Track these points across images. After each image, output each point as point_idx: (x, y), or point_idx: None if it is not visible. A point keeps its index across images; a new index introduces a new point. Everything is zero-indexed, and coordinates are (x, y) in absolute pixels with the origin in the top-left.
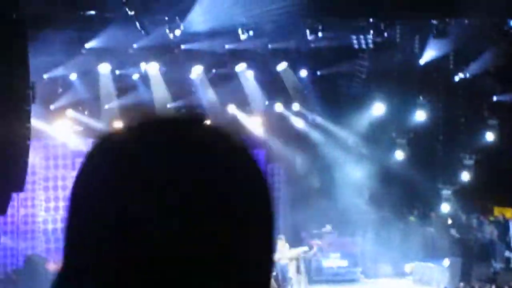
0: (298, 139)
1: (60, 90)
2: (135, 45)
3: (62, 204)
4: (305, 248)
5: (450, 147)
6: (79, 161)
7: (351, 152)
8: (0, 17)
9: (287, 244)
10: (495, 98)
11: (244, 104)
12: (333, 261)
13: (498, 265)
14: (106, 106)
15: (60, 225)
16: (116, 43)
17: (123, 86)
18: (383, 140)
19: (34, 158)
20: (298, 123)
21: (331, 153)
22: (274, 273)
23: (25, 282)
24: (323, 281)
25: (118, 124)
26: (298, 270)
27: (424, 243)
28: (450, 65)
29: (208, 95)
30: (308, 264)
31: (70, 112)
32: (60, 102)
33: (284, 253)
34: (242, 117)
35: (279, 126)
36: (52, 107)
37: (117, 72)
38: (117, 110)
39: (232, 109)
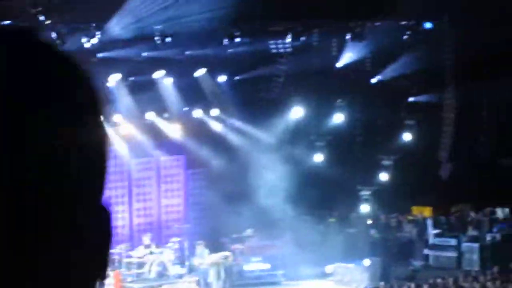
0: (218, 144)
1: None
2: None
3: None
4: (226, 253)
5: (368, 149)
6: None
7: (271, 156)
8: None
9: (207, 250)
10: (411, 99)
11: (163, 110)
12: (255, 265)
13: (417, 263)
14: None
15: None
16: None
17: None
18: (302, 143)
19: None
20: (217, 128)
21: (251, 157)
22: (196, 278)
23: None
24: (245, 284)
25: None
26: (218, 276)
27: (345, 244)
28: (367, 67)
29: (126, 103)
30: (229, 269)
31: None
32: None
33: (204, 258)
34: (161, 123)
35: (199, 131)
36: None
37: None
38: None
39: (151, 116)
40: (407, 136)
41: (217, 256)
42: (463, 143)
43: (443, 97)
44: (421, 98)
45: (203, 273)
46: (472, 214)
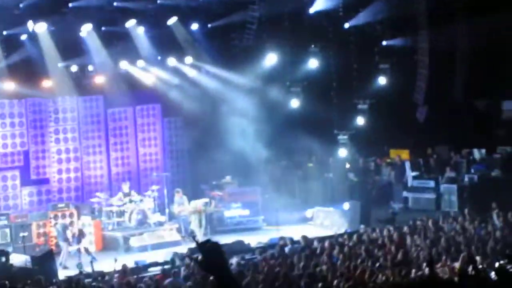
0: (193, 92)
1: None
2: (21, 5)
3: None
4: (206, 200)
5: (344, 93)
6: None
7: (247, 103)
8: None
9: (185, 197)
10: (385, 43)
11: (136, 60)
12: (235, 211)
13: (396, 206)
14: None
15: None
16: (1, 2)
17: (11, 47)
18: (277, 89)
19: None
20: (192, 76)
21: (227, 104)
22: (176, 226)
23: None
24: (226, 231)
25: (8, 85)
26: (199, 223)
27: (324, 188)
28: (340, 12)
29: (100, 53)
30: (209, 216)
31: None
32: None
33: (185, 206)
34: (135, 72)
35: (173, 80)
36: None
37: (4, 32)
38: (6, 70)
39: (124, 65)
40: (382, 80)
41: (197, 203)
42: (438, 86)
43: (416, 41)
44: (395, 42)
45: (184, 220)
46: (450, 156)
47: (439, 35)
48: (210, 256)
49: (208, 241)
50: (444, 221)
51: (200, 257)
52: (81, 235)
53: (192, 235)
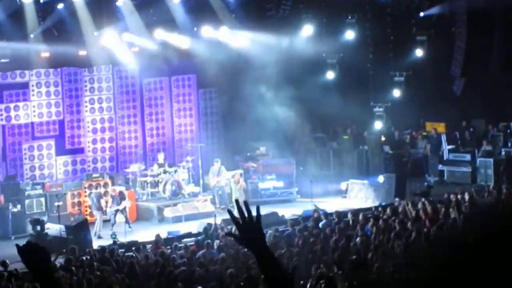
0: (228, 62)
1: None
2: None
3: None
4: (240, 171)
5: (380, 65)
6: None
7: (283, 74)
8: None
9: (223, 167)
10: (422, 14)
11: (171, 29)
12: (269, 183)
13: (431, 179)
14: (32, 35)
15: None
16: None
17: (48, 16)
18: (313, 61)
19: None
20: (228, 46)
21: (262, 74)
22: (210, 197)
23: None
24: (260, 202)
25: (44, 54)
26: (235, 193)
27: (359, 161)
28: None
29: (135, 22)
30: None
31: None
32: None
33: (221, 176)
34: (170, 42)
35: (209, 49)
36: None
37: (41, 0)
38: (42, 39)
39: (160, 34)
40: (419, 52)
41: (231, 174)
42: (476, 58)
43: (454, 12)
44: (433, 11)
45: (221, 190)
46: (487, 129)
47: (477, 4)
48: (247, 230)
49: (244, 215)
50: (479, 195)
51: (237, 232)
52: (122, 197)
53: (228, 209)
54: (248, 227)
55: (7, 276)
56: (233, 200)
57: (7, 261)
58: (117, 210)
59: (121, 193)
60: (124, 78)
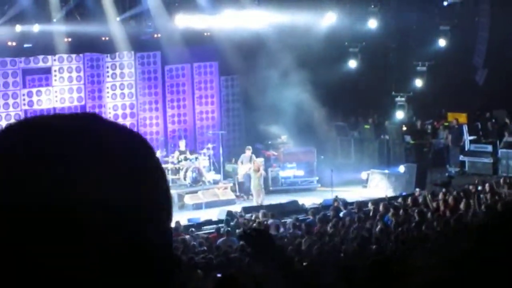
0: (250, 50)
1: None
2: None
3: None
4: (261, 159)
5: (403, 55)
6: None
7: (304, 61)
8: None
9: (253, 155)
10: (445, 3)
11: (194, 13)
12: (290, 171)
13: (452, 170)
14: (54, 20)
15: None
16: None
17: (70, 0)
18: (335, 49)
19: None
20: (250, 34)
21: (284, 62)
22: (231, 184)
23: None
24: (280, 191)
25: (67, 39)
26: (254, 181)
27: (380, 150)
28: None
29: (157, 8)
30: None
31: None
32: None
33: (250, 164)
34: (193, 26)
35: (231, 36)
36: None
37: None
38: (64, 24)
39: (181, 19)
40: (442, 42)
41: (258, 162)
42: (498, 48)
43: (477, 1)
44: (456, 0)
45: (246, 178)
46: (508, 120)
47: None
48: (260, 247)
49: (254, 230)
50: (501, 186)
51: (250, 249)
52: None
53: (243, 229)
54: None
55: None
56: (252, 188)
57: None
58: None
59: None
60: (146, 64)
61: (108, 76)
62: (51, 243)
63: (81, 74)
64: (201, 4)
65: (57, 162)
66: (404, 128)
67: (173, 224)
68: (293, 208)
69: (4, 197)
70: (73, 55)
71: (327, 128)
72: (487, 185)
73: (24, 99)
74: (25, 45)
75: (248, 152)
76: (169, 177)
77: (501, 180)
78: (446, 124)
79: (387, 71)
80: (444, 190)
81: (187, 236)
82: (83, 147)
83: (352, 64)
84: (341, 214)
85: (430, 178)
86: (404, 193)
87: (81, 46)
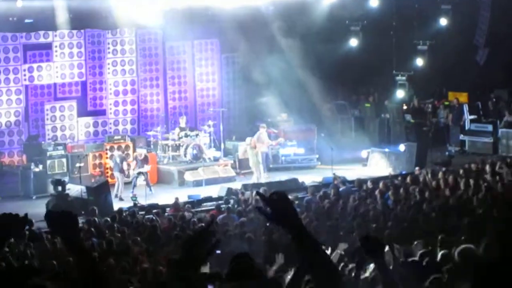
0: (251, 28)
1: None
2: None
3: (15, 97)
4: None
5: (404, 33)
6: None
7: (305, 39)
8: None
9: (266, 133)
10: None
11: None
12: (290, 149)
13: (453, 149)
14: None
15: (13, 118)
16: None
17: None
18: (337, 28)
19: None
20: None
21: (285, 40)
22: (231, 162)
23: None
24: (280, 168)
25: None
26: (252, 158)
27: (380, 129)
28: None
29: None
30: (264, 152)
31: None
32: None
33: (265, 142)
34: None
35: (232, 13)
36: None
37: None
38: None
39: None
40: (443, 21)
41: (249, 140)
42: (500, 28)
43: None
44: None
45: (239, 156)
46: (509, 99)
47: None
48: (279, 208)
49: (274, 193)
50: (501, 166)
51: (268, 209)
52: (145, 160)
53: (257, 191)
54: (280, 204)
55: (28, 236)
56: (250, 164)
57: (33, 220)
58: (139, 173)
59: (145, 157)
60: (147, 41)
61: (109, 53)
62: None
63: (82, 50)
64: None
65: None
66: (405, 107)
67: (172, 200)
68: (293, 186)
69: None
70: (74, 31)
71: (327, 106)
72: (487, 165)
73: (25, 75)
74: (26, 21)
75: (263, 130)
76: (170, 153)
77: (501, 160)
78: (447, 103)
79: (388, 50)
80: (444, 169)
81: (186, 213)
82: None
83: (353, 42)
84: (340, 192)
85: (430, 157)
86: (404, 172)
87: (82, 22)
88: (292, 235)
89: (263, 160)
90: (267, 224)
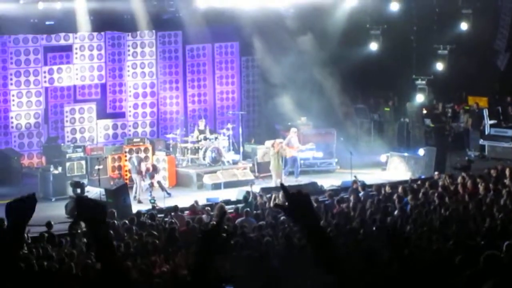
0: (272, 31)
1: None
2: None
3: (35, 99)
4: (281, 140)
5: (424, 37)
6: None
7: (326, 44)
8: None
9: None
10: None
11: None
12: (309, 153)
13: (472, 153)
14: None
15: (33, 120)
16: None
17: None
18: (357, 31)
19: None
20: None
21: (305, 43)
22: (250, 165)
23: None
24: (298, 172)
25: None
26: (276, 161)
27: (399, 133)
28: None
29: None
30: (283, 156)
31: None
32: None
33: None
34: (215, 5)
35: (252, 16)
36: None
37: None
38: (86, 2)
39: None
40: (463, 25)
41: (271, 143)
42: None
43: None
44: None
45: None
46: None
47: None
48: (298, 205)
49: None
50: None
51: (287, 204)
52: (154, 170)
53: (281, 183)
54: (298, 199)
55: (47, 238)
56: (271, 168)
57: (52, 222)
58: (150, 184)
59: (154, 167)
60: (167, 43)
61: (129, 55)
62: None
63: (102, 52)
64: None
65: None
66: (424, 111)
67: (191, 203)
68: (312, 190)
69: None
70: (95, 33)
71: (347, 110)
72: (507, 170)
73: (45, 76)
74: (47, 23)
75: (294, 134)
76: (188, 156)
77: None
78: (467, 107)
79: (408, 54)
80: (463, 174)
81: (204, 215)
82: None
83: (374, 46)
84: (360, 196)
85: (449, 162)
86: (423, 176)
87: (102, 24)
88: (306, 233)
89: (294, 164)
90: (285, 226)
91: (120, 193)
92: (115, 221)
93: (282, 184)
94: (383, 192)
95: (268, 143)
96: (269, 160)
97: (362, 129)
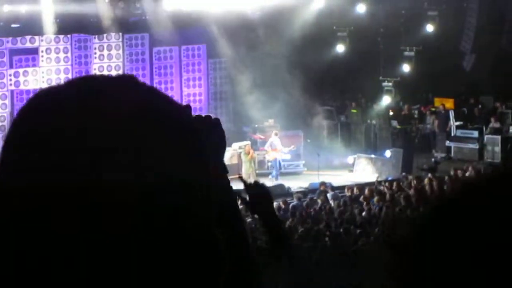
0: (239, 34)
1: None
2: None
3: (1, 102)
4: (247, 143)
5: (391, 39)
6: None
7: (292, 46)
8: None
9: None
10: None
11: None
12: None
13: (438, 155)
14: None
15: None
16: None
17: None
18: (324, 33)
19: None
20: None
21: (271, 46)
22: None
23: None
24: (266, 173)
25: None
26: (245, 164)
27: (366, 135)
28: None
29: None
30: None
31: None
32: None
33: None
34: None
35: (219, 19)
36: None
37: None
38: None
39: (169, 0)
40: (429, 27)
41: (238, 146)
42: (486, 35)
43: None
44: None
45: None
46: (495, 106)
47: None
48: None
49: (256, 183)
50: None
51: (247, 199)
52: None
53: (240, 176)
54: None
55: None
56: (243, 171)
57: None
58: None
59: None
60: (134, 46)
61: (95, 58)
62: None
63: (69, 55)
64: None
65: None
66: (391, 113)
67: None
68: (280, 192)
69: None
70: (61, 36)
71: (314, 112)
72: (472, 170)
73: (10, 79)
74: (13, 25)
75: (276, 136)
76: None
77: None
78: (433, 109)
79: (375, 55)
80: (430, 175)
81: None
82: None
83: (340, 48)
84: (329, 197)
85: (416, 163)
86: (390, 178)
87: (69, 26)
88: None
89: (275, 166)
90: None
91: None
92: None
93: (240, 177)
94: (350, 193)
95: (236, 145)
96: (237, 162)
97: (329, 131)
